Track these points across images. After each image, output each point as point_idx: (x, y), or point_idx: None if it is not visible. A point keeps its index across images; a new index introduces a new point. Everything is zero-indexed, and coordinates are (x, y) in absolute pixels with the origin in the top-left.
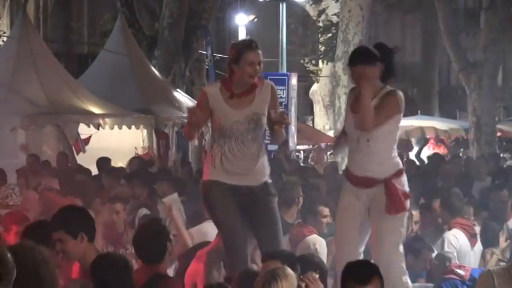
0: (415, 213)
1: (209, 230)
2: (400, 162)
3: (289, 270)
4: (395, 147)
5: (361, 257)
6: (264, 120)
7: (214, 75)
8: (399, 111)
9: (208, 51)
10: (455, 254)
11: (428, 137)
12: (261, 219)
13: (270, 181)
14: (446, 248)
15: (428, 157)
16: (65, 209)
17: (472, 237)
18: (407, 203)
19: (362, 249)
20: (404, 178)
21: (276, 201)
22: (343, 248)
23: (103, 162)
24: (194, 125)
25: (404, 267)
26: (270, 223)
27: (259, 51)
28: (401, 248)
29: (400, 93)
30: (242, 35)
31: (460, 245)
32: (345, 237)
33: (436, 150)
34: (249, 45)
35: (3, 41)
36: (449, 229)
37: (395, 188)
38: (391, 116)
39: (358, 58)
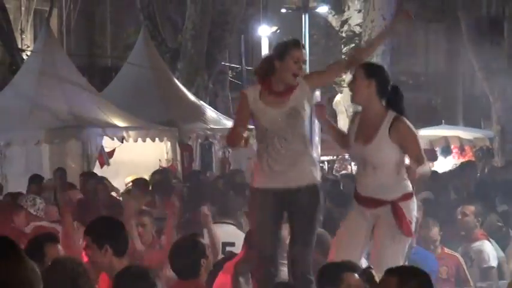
0: None
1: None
2: (409, 185)
3: None
4: (403, 170)
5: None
6: (304, 114)
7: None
8: None
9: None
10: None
11: (452, 146)
12: (298, 228)
13: (318, 182)
14: (491, 262)
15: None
16: (100, 218)
17: None
18: (411, 229)
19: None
20: (412, 203)
21: (320, 207)
22: (341, 255)
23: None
24: (237, 127)
25: None
26: (304, 232)
27: (304, 50)
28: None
29: (405, 119)
30: (265, 47)
31: (496, 257)
32: (343, 245)
33: (461, 160)
34: (296, 42)
35: (27, 55)
36: (475, 240)
37: (402, 213)
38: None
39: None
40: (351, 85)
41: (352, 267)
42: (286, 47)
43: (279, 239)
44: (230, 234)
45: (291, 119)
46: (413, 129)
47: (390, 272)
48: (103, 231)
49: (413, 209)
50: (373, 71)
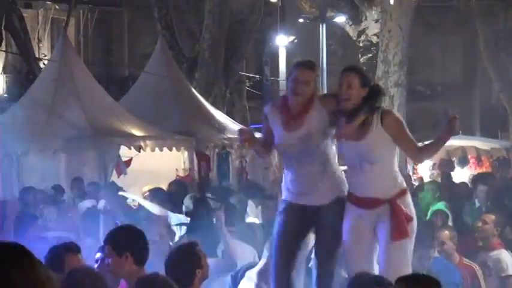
0: None
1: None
2: (403, 181)
3: None
4: (396, 165)
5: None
6: (319, 137)
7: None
8: None
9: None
10: None
11: (469, 156)
12: (323, 240)
13: (342, 196)
14: (510, 271)
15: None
16: (121, 226)
17: None
18: (410, 227)
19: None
20: (408, 198)
21: (340, 223)
22: (356, 265)
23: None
24: (250, 144)
25: None
26: (329, 245)
27: (309, 71)
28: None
29: (392, 111)
30: (282, 56)
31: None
32: (356, 253)
33: (478, 170)
34: (299, 63)
35: (44, 64)
36: (492, 249)
37: (401, 210)
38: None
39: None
40: (348, 92)
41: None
42: (291, 68)
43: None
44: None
45: (305, 143)
46: (401, 118)
47: (399, 280)
48: (123, 239)
49: (410, 203)
50: (368, 81)
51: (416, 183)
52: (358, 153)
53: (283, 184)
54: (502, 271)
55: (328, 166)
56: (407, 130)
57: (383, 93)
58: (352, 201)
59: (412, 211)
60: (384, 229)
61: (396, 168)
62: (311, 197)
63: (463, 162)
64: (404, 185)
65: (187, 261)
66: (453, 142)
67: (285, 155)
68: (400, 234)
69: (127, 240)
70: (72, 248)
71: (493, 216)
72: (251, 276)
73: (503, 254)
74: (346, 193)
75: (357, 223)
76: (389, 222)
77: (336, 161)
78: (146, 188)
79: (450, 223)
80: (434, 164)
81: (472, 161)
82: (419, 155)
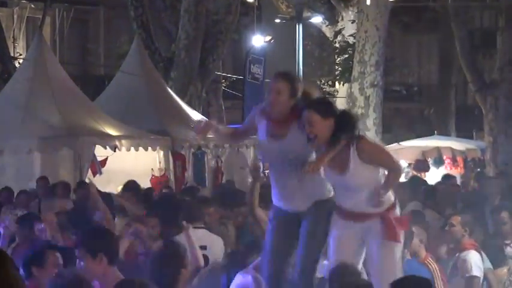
0: None
1: None
2: (392, 196)
3: None
4: (382, 181)
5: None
6: (298, 152)
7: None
8: None
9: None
10: (480, 276)
11: (444, 157)
12: (301, 235)
13: (322, 199)
14: (474, 271)
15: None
16: (93, 228)
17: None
18: (402, 235)
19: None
20: (398, 210)
21: (322, 226)
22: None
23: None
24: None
25: None
26: (306, 241)
27: (282, 81)
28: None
29: (365, 136)
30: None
31: (482, 267)
32: (338, 254)
33: (453, 171)
34: (275, 73)
35: (19, 63)
36: (462, 250)
37: (391, 222)
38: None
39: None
40: (311, 130)
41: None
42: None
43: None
44: (201, 238)
45: (285, 155)
46: (378, 142)
47: (393, 285)
48: (97, 240)
49: (399, 215)
50: (326, 110)
51: None
52: (345, 185)
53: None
54: (466, 271)
55: (307, 177)
56: (385, 153)
57: (354, 120)
58: (342, 214)
59: (401, 220)
60: (375, 239)
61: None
62: (292, 203)
63: (438, 162)
64: (393, 198)
65: (171, 261)
66: (429, 143)
67: (266, 160)
68: (393, 236)
69: (100, 241)
70: (51, 246)
71: (459, 218)
72: (249, 268)
73: (470, 254)
74: (326, 196)
75: (344, 233)
76: (381, 229)
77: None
78: (121, 188)
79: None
80: (409, 165)
81: (447, 161)
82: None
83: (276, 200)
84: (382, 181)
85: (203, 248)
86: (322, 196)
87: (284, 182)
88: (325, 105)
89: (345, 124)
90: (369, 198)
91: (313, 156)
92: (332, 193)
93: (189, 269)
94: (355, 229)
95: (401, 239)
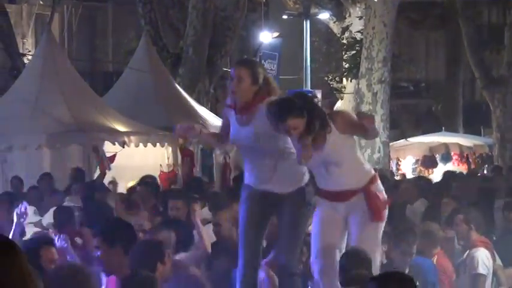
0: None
1: None
2: (371, 168)
3: None
4: (359, 154)
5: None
6: (266, 139)
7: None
8: None
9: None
10: (487, 274)
11: (452, 153)
12: (281, 226)
13: (301, 187)
14: (480, 269)
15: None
16: (112, 219)
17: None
18: (385, 212)
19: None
20: (379, 183)
21: (304, 209)
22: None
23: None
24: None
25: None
26: (288, 231)
27: (242, 68)
28: (378, 257)
29: (334, 109)
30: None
31: (490, 265)
32: (328, 245)
33: (461, 167)
34: (235, 62)
35: (28, 59)
36: (472, 247)
37: (376, 196)
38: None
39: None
40: (297, 132)
41: None
42: None
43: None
44: None
45: (252, 141)
46: (347, 113)
47: (372, 279)
48: (114, 231)
49: (382, 188)
50: (300, 109)
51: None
52: (322, 161)
53: (245, 170)
54: (472, 269)
55: (280, 161)
56: (354, 117)
57: (319, 107)
58: (324, 195)
59: (385, 196)
60: (358, 216)
61: (361, 159)
62: (269, 186)
63: (446, 158)
64: (373, 171)
65: (147, 254)
66: (436, 139)
67: (239, 148)
68: (379, 217)
69: (118, 231)
70: (47, 241)
71: (461, 216)
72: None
73: (479, 252)
74: (304, 181)
75: (329, 215)
76: (365, 207)
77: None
78: (131, 184)
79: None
80: (417, 160)
81: (455, 157)
82: (367, 135)
83: (250, 180)
84: (358, 153)
85: None
86: (301, 181)
87: (259, 167)
88: (295, 105)
89: (315, 113)
90: (348, 174)
91: (283, 138)
92: (307, 177)
93: (168, 265)
94: (339, 210)
95: (385, 217)
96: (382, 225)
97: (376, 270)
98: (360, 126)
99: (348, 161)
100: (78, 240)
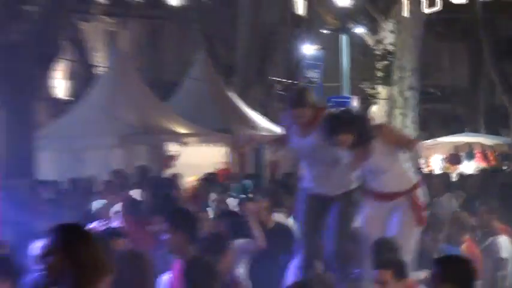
0: None
1: None
2: (415, 177)
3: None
4: (404, 163)
5: None
6: (324, 149)
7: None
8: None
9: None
10: (509, 259)
11: (475, 151)
12: (330, 223)
13: (350, 190)
14: (503, 253)
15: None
16: (178, 208)
17: None
18: (426, 215)
19: None
20: (421, 190)
21: (350, 209)
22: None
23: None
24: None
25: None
26: (335, 227)
27: (298, 108)
28: (412, 249)
29: (381, 126)
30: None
31: (510, 252)
32: (374, 233)
33: (483, 164)
34: (290, 103)
35: (100, 70)
36: (494, 234)
37: (418, 201)
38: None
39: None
40: (346, 146)
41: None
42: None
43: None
44: (283, 221)
45: (312, 151)
46: (392, 127)
47: (435, 262)
48: (178, 218)
49: (422, 194)
50: (349, 126)
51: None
52: (370, 169)
53: (303, 173)
54: (494, 253)
55: (333, 168)
56: (395, 131)
57: (368, 124)
58: (372, 196)
59: (424, 200)
60: (400, 215)
61: (405, 166)
62: (322, 188)
63: (470, 156)
64: (417, 179)
65: (216, 242)
66: (460, 139)
67: (300, 157)
68: (422, 221)
69: (181, 218)
70: (116, 233)
71: (485, 207)
72: None
73: (501, 238)
74: (353, 186)
75: (374, 211)
76: (407, 208)
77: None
78: (190, 179)
79: None
80: (444, 158)
81: (477, 155)
82: (408, 150)
83: (307, 184)
84: (403, 162)
85: None
86: (349, 185)
87: (316, 172)
88: (344, 122)
89: (363, 128)
90: (393, 179)
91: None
92: (356, 184)
93: (231, 256)
94: (384, 208)
95: (425, 222)
96: (420, 228)
97: (410, 260)
98: (402, 141)
99: (392, 168)
100: (152, 227)
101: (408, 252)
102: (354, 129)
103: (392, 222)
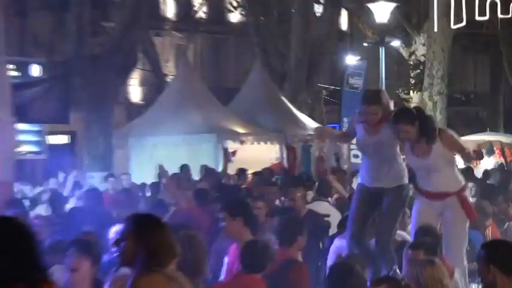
0: None
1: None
2: (463, 178)
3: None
4: (456, 166)
5: None
6: (387, 146)
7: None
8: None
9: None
10: None
11: (495, 148)
12: (381, 213)
13: (402, 184)
14: None
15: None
16: (233, 197)
17: None
18: (475, 213)
19: None
20: (467, 192)
21: (400, 202)
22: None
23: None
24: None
25: (466, 271)
26: (387, 216)
27: (375, 106)
28: (464, 251)
29: (445, 129)
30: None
31: None
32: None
33: (502, 159)
34: (365, 99)
35: (169, 78)
36: (510, 219)
37: (467, 200)
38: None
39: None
40: (409, 136)
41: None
42: (361, 98)
43: (366, 218)
44: (326, 209)
45: (377, 147)
46: (453, 132)
47: (482, 246)
48: (237, 206)
49: (469, 196)
50: (413, 118)
51: None
52: (425, 167)
53: (360, 170)
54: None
55: (393, 164)
56: (457, 140)
57: (432, 122)
58: (424, 194)
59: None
60: (452, 213)
61: (456, 171)
62: (378, 182)
63: (490, 152)
64: (464, 181)
65: (292, 226)
66: (482, 137)
67: (363, 151)
68: (474, 217)
69: (239, 207)
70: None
71: (501, 197)
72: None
73: None
74: (404, 181)
75: (426, 209)
76: (458, 207)
77: (401, 161)
78: (247, 173)
79: None
80: None
81: (497, 151)
82: (463, 156)
83: (364, 179)
84: (455, 169)
85: (327, 216)
86: (401, 180)
87: (376, 167)
88: (410, 114)
89: (426, 127)
90: (445, 179)
91: (396, 145)
92: (407, 180)
93: (303, 240)
94: (435, 206)
95: (476, 217)
96: (468, 222)
97: (463, 253)
98: (458, 147)
99: (445, 170)
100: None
101: (462, 244)
102: (418, 123)
103: (445, 217)
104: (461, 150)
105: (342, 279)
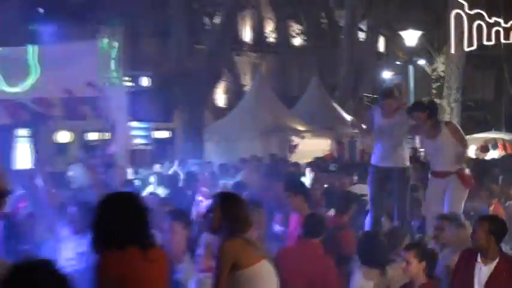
0: None
1: None
2: (463, 163)
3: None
4: (457, 152)
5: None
6: (398, 129)
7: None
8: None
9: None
10: None
11: (498, 143)
12: (395, 191)
13: (405, 167)
14: None
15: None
16: (292, 178)
17: None
18: (472, 181)
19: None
20: (467, 171)
21: (408, 182)
22: (431, 208)
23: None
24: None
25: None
26: (400, 195)
27: (390, 99)
28: (462, 205)
29: (454, 122)
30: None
31: None
32: (432, 201)
33: (503, 152)
34: (383, 94)
35: (247, 89)
36: (510, 199)
37: (464, 173)
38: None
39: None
40: (421, 121)
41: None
42: (381, 93)
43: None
44: (363, 189)
45: (391, 129)
46: (458, 126)
47: (480, 218)
48: (297, 185)
49: (468, 172)
50: (423, 108)
51: None
52: (435, 148)
53: (372, 154)
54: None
55: (400, 147)
56: (461, 133)
57: (436, 108)
58: (433, 174)
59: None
60: (452, 186)
61: (457, 155)
62: (389, 160)
63: (494, 147)
64: (464, 165)
65: (346, 199)
66: (488, 135)
67: (377, 134)
68: (468, 184)
69: (298, 185)
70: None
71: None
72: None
73: None
74: (408, 165)
75: (435, 186)
76: (458, 181)
77: (406, 147)
78: (306, 161)
79: None
80: (477, 148)
81: (500, 146)
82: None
83: (375, 160)
84: (458, 151)
85: (365, 195)
86: (405, 162)
87: (386, 148)
88: (422, 105)
89: (434, 114)
90: (449, 160)
91: (405, 129)
92: (408, 163)
93: (351, 211)
94: (442, 183)
95: (471, 184)
96: (467, 192)
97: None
98: (460, 137)
99: (451, 152)
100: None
101: (458, 208)
102: (427, 111)
103: (448, 188)
104: (462, 140)
105: (369, 243)
